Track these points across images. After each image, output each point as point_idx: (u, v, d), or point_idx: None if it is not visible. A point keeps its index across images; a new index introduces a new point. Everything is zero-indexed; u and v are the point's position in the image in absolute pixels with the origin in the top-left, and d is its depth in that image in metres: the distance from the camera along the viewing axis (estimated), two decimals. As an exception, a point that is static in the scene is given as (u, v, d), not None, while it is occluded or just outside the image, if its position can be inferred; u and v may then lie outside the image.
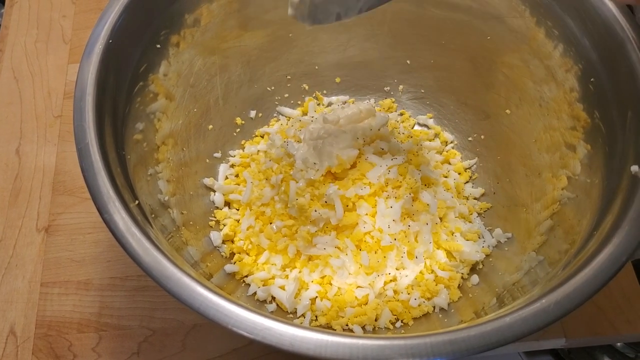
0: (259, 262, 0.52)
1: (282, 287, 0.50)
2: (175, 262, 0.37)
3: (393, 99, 0.64)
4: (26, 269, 0.56)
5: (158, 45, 0.49)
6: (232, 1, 0.54)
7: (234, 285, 0.51)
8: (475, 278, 0.52)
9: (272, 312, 0.50)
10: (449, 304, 0.50)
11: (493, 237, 0.54)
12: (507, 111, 0.56)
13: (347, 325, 0.48)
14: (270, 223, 0.52)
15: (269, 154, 0.57)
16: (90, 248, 0.57)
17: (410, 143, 0.55)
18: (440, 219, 0.54)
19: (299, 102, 0.64)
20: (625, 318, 0.52)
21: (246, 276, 0.52)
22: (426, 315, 0.50)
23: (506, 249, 0.53)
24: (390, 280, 0.50)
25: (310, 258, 0.51)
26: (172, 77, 0.51)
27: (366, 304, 0.49)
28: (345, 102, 0.65)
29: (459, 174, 0.59)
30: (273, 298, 0.51)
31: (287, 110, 0.64)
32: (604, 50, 0.45)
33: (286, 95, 0.64)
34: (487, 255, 0.53)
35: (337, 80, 0.64)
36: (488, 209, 0.57)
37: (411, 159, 0.54)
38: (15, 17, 0.74)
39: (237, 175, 0.59)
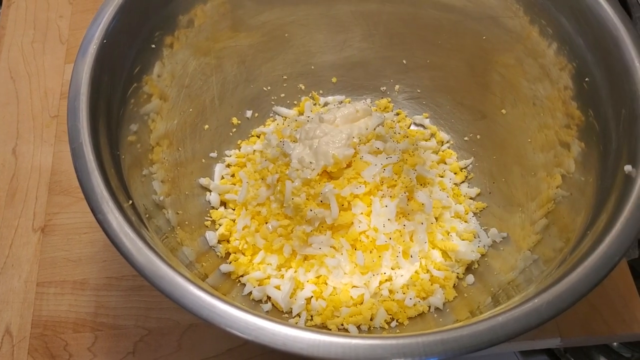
0: (255, 261, 0.52)
1: (278, 287, 0.50)
2: (168, 262, 0.37)
3: (389, 99, 0.64)
4: (22, 268, 0.56)
5: (152, 46, 0.49)
6: (226, 2, 0.54)
7: (229, 285, 0.51)
8: (470, 278, 0.52)
9: (267, 312, 0.50)
10: (444, 304, 0.50)
11: (489, 237, 0.54)
12: (503, 111, 0.56)
13: (342, 325, 0.48)
14: (266, 223, 0.52)
15: (265, 154, 0.57)
16: (86, 248, 0.57)
17: (406, 143, 0.55)
18: (436, 218, 0.54)
19: (295, 102, 0.64)
20: (621, 318, 0.52)
21: (242, 276, 0.52)
22: (421, 314, 0.50)
23: (501, 248, 0.53)
24: (386, 280, 0.50)
25: (305, 258, 0.51)
26: (166, 78, 0.51)
27: (361, 303, 0.49)
28: (341, 102, 0.65)
29: (455, 173, 0.59)
30: (268, 298, 0.51)
31: (283, 110, 0.64)
32: (598, 49, 0.44)
33: (282, 95, 0.64)
34: (483, 255, 0.53)
35: (334, 80, 0.64)
36: (484, 208, 0.57)
37: (407, 158, 0.54)
38: (12, 17, 0.74)
39: (233, 175, 0.59)
